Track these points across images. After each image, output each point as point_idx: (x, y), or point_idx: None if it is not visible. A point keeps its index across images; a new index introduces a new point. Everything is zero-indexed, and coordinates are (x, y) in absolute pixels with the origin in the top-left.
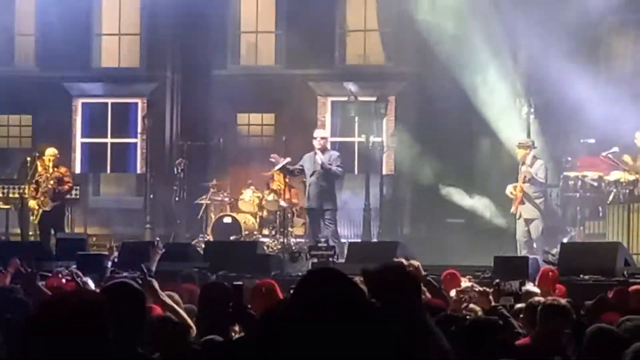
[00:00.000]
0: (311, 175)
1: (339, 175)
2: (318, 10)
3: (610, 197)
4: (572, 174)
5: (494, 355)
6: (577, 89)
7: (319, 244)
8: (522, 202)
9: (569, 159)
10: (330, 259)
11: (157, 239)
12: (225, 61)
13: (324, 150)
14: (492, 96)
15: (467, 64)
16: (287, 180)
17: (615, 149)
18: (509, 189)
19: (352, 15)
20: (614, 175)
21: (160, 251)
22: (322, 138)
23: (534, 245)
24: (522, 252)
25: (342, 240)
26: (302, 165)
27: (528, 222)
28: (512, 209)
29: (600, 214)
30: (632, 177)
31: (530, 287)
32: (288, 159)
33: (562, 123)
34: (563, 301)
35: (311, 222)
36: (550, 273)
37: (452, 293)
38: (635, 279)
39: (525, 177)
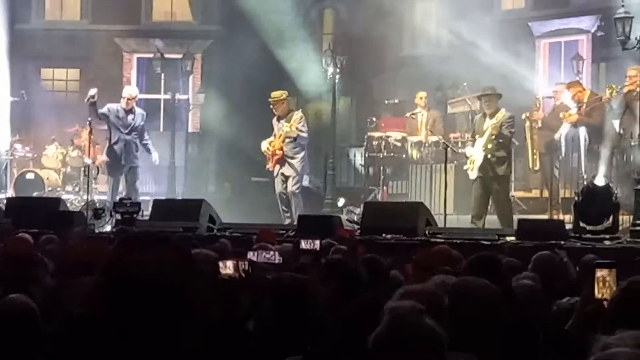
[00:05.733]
0: (119, 132)
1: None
2: None
3: (413, 158)
4: (375, 134)
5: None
6: (384, 50)
7: (124, 201)
8: (282, 163)
9: (373, 119)
10: (135, 216)
11: None
12: (29, 15)
13: (131, 109)
14: (298, 55)
15: (274, 23)
16: (91, 136)
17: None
18: (265, 145)
19: None
20: (417, 136)
21: None
22: (130, 99)
23: (292, 200)
24: (282, 207)
25: (147, 197)
26: (108, 112)
27: (287, 178)
28: (269, 166)
29: (404, 174)
30: (434, 139)
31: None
32: (94, 90)
33: (367, 83)
34: None
35: (114, 179)
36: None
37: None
38: (437, 238)
39: (283, 135)
